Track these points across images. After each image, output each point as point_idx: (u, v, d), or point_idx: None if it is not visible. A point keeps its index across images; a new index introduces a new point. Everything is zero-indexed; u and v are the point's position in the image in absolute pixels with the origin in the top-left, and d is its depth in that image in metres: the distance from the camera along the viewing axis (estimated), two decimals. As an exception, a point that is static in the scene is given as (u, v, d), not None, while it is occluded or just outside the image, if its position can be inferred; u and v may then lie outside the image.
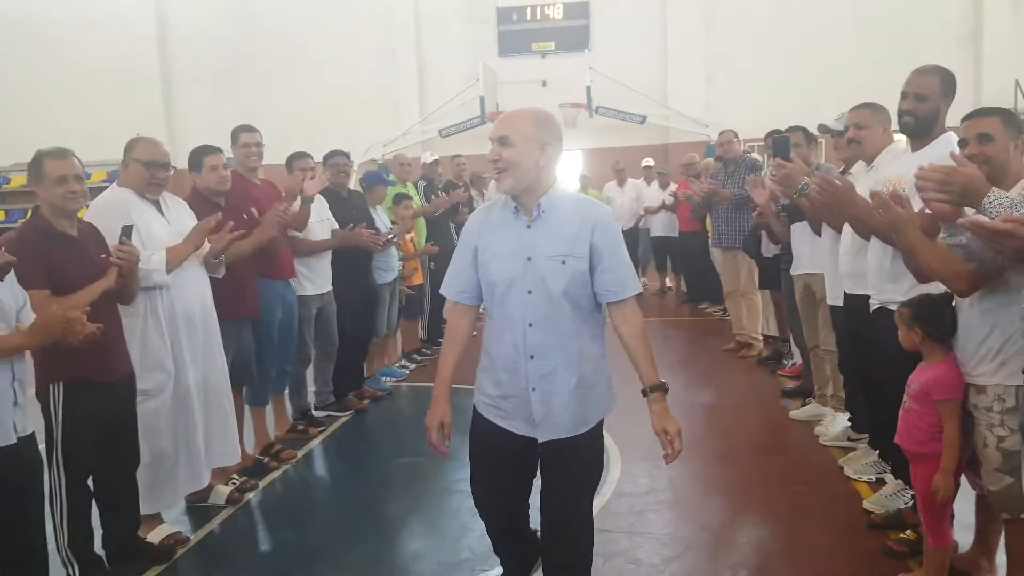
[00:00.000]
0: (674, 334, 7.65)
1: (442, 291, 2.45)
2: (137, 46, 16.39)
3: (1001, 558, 2.72)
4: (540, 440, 2.30)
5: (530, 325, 2.23)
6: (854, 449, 4.04)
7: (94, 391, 2.79)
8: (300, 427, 4.79)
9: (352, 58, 15.72)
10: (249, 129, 4.49)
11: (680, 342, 7.30)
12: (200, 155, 3.92)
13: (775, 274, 5.35)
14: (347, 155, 5.49)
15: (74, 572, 2.80)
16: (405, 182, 6.76)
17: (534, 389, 2.25)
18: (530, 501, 2.50)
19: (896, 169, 3.02)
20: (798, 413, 4.77)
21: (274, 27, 16.04)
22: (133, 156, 3.34)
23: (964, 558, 2.80)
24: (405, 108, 15.58)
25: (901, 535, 3.04)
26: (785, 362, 5.86)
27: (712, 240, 6.86)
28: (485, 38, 15.54)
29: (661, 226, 9.59)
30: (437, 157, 8.02)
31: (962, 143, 2.40)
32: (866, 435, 3.95)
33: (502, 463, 2.39)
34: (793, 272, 4.66)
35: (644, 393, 2.31)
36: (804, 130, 4.88)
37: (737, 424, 4.91)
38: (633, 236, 10.16)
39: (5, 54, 16.16)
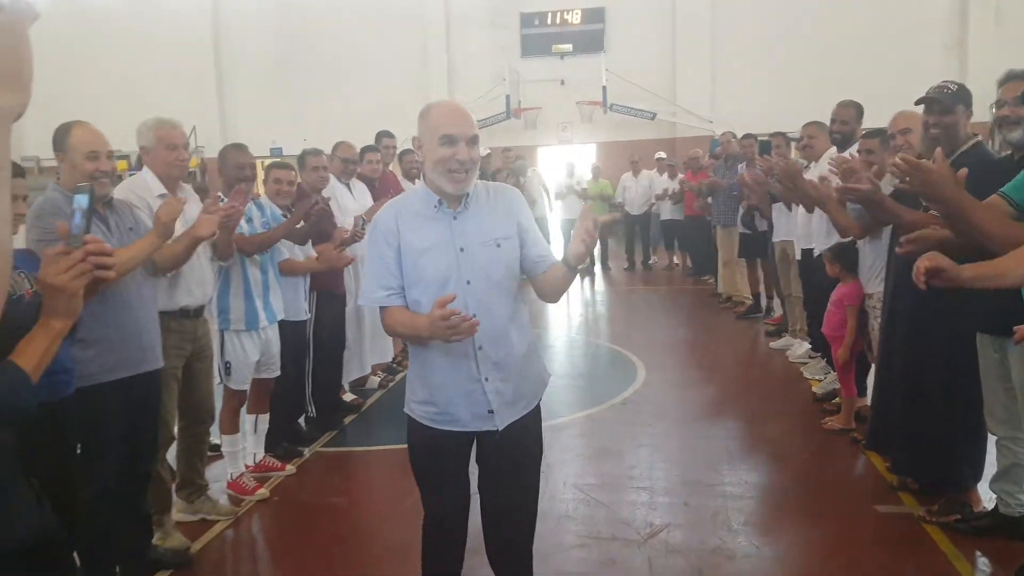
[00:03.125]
0: (680, 299, 9.36)
1: (362, 301, 2.32)
2: (194, 42, 17.83)
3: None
4: (500, 427, 2.23)
5: (473, 315, 2.07)
6: (809, 363, 5.74)
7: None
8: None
9: (388, 58, 17.27)
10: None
11: (685, 303, 9.01)
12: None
13: (764, 245, 7.01)
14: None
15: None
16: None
17: (487, 379, 2.18)
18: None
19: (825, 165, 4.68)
20: (775, 343, 6.49)
21: (317, 28, 17.59)
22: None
23: (863, 406, 4.48)
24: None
25: (832, 401, 4.75)
26: (771, 314, 7.55)
27: (713, 220, 8.53)
28: (509, 41, 17.06)
29: (669, 211, 11.20)
30: (489, 150, 9.65)
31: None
32: (819, 353, 5.63)
33: (455, 466, 2.29)
34: (774, 240, 6.33)
35: (566, 261, 2.16)
36: (784, 135, 6.55)
37: (729, 353, 6.65)
38: (645, 219, 11.84)
39: (70, 48, 17.39)
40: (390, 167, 6.13)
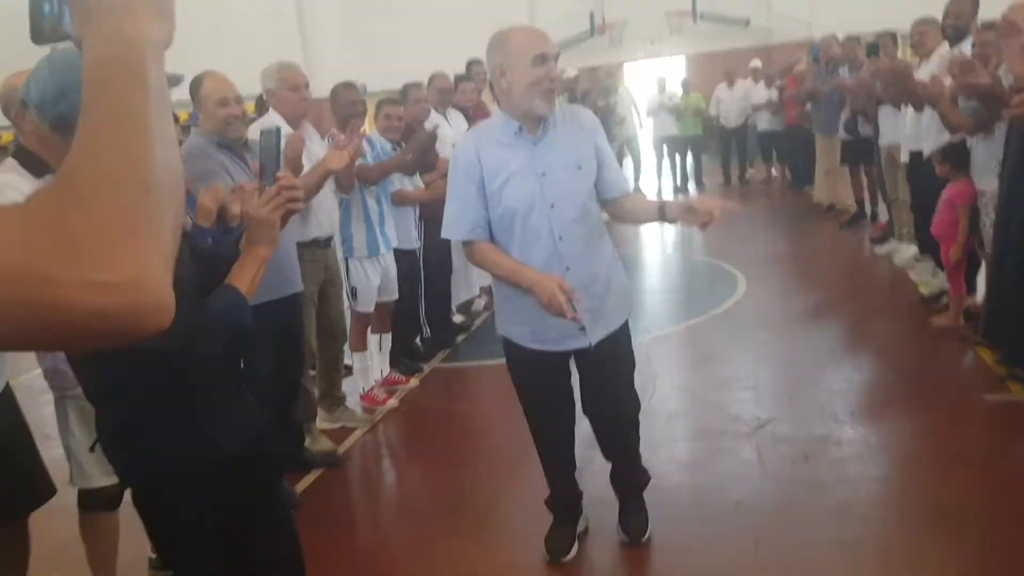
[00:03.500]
0: (781, 212, 9.19)
1: (446, 234, 2.33)
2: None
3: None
4: (593, 343, 2.30)
5: (560, 238, 2.19)
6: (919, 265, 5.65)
7: None
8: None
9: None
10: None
11: (785, 216, 8.85)
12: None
13: (868, 150, 6.80)
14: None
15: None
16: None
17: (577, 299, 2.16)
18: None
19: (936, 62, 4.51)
20: (881, 249, 6.38)
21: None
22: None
23: (971, 304, 4.43)
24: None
25: (940, 302, 4.71)
26: (877, 220, 7.37)
27: (813, 128, 8.27)
28: (592, -48, 16.58)
29: (767, 122, 10.85)
30: (576, 72, 9.59)
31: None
32: (927, 257, 5.52)
33: (555, 384, 2.40)
34: (880, 143, 6.15)
35: (662, 212, 2.28)
36: (892, 34, 6.29)
37: (832, 261, 6.61)
38: (742, 132, 11.52)
39: None
40: (482, 95, 6.28)
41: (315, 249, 3.67)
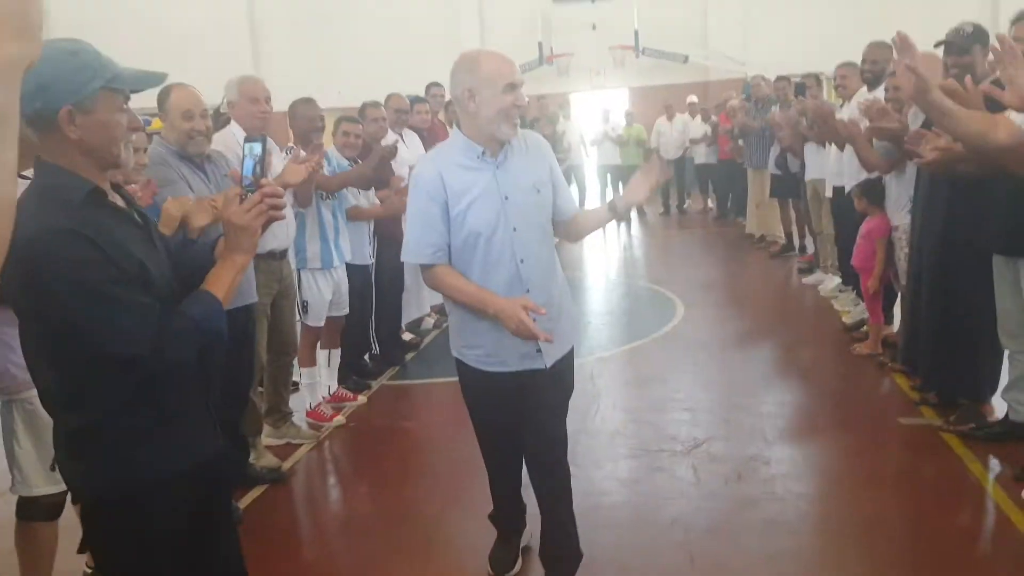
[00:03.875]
0: (715, 241, 9.58)
1: (406, 257, 2.32)
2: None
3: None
4: (548, 364, 2.34)
5: (522, 261, 2.24)
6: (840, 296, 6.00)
7: None
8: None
9: (419, 4, 17.31)
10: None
11: (719, 245, 9.24)
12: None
13: (796, 185, 7.19)
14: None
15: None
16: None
17: (535, 320, 2.16)
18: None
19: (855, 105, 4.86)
20: (808, 279, 6.76)
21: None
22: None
23: (889, 333, 4.76)
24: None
25: (860, 330, 5.03)
26: (804, 252, 7.77)
27: (745, 162, 8.70)
28: (541, -15, 17.00)
29: (703, 155, 11.31)
30: (527, 98, 9.80)
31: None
32: (850, 286, 5.87)
33: (508, 405, 2.41)
34: (806, 179, 6.52)
35: (613, 209, 2.41)
36: (816, 76, 6.70)
37: (763, 289, 6.96)
38: (680, 164, 11.97)
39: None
40: (438, 116, 6.41)
41: (270, 261, 3.70)
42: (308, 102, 4.28)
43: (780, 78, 7.76)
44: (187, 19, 17.76)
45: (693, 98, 12.08)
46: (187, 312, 1.56)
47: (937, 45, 3.42)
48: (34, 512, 2.50)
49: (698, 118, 11.55)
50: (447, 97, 6.48)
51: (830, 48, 9.53)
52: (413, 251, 2.30)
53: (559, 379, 2.44)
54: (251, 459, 3.71)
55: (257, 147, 1.69)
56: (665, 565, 2.71)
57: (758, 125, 8.01)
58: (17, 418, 2.45)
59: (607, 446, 3.71)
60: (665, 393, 4.41)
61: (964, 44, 3.32)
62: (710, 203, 12.12)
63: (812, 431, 3.80)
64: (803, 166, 6.63)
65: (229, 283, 1.64)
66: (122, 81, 1.51)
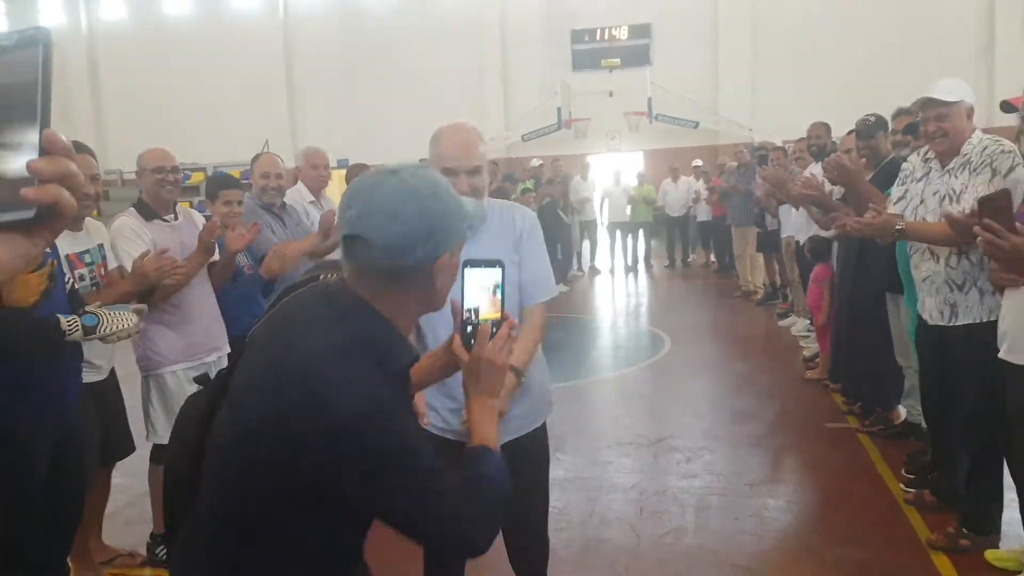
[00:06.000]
0: (710, 291, 10.56)
1: None
2: (266, 58, 19.64)
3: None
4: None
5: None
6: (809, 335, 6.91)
7: None
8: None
9: (447, 73, 18.69)
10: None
11: (714, 294, 10.21)
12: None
13: (775, 240, 8.16)
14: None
15: None
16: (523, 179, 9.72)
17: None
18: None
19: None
20: (783, 322, 7.66)
21: (382, 44, 19.12)
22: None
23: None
24: (492, 116, 18.54)
25: (815, 360, 5.94)
26: (783, 301, 8.68)
27: (729, 220, 9.72)
28: (561, 56, 18.30)
29: (705, 213, 12.30)
30: (542, 161, 10.97)
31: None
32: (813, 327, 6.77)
33: None
34: (783, 235, 7.49)
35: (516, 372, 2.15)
36: (782, 148, 7.81)
37: (742, 329, 7.90)
38: (684, 221, 13.00)
39: (148, 67, 19.47)
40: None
41: None
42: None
43: (786, 142, 8.77)
44: (227, 86, 19.27)
45: (698, 161, 13.19)
46: (480, 471, 1.33)
47: (848, 133, 4.43)
48: (164, 457, 3.40)
49: (701, 180, 12.62)
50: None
51: (832, 114, 10.56)
52: None
53: (522, 458, 2.16)
54: None
55: (496, 273, 1.45)
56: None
57: (741, 188, 9.05)
58: (152, 388, 3.38)
59: (597, 439, 4.64)
60: (643, 405, 5.35)
61: (869, 131, 4.31)
62: (711, 257, 13.08)
63: (756, 435, 4.68)
64: (780, 224, 7.62)
65: (495, 432, 1.41)
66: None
